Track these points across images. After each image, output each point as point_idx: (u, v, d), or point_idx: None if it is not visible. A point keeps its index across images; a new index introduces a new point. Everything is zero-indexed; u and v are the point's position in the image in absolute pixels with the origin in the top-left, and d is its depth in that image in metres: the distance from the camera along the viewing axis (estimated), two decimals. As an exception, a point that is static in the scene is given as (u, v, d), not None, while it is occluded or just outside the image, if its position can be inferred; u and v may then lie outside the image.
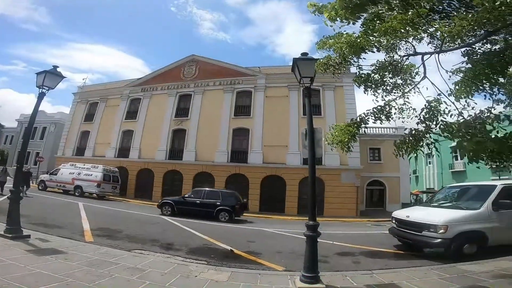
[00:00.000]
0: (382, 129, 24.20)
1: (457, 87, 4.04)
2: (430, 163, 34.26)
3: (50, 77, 6.38)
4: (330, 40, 4.42)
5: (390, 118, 4.77)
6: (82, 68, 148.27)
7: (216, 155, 21.87)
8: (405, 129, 4.89)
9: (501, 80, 4.22)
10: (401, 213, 7.75)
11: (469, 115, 3.92)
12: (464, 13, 3.67)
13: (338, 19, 3.93)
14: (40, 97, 6.45)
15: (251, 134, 21.83)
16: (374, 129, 24.06)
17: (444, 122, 4.13)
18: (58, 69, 6.62)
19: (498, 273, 4.70)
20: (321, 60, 4.45)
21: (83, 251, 5.34)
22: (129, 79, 28.37)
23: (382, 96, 4.97)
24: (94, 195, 18.88)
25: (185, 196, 13.96)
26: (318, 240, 4.32)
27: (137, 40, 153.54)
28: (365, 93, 5.11)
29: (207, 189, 14.43)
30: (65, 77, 6.85)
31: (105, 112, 27.48)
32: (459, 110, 4.08)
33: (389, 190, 22.99)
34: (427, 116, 4.23)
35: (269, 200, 20.15)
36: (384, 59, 4.89)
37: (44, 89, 6.39)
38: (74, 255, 5.01)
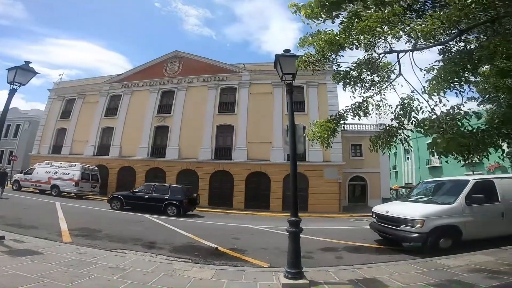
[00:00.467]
0: (364, 126, 24.85)
1: (429, 84, 4.20)
2: (408, 159, 35.57)
3: (21, 73, 6.15)
4: (309, 38, 4.50)
5: (367, 114, 4.91)
6: (60, 64, 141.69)
7: (200, 152, 21.66)
8: (385, 125, 5.04)
9: (472, 78, 4.43)
10: (381, 208, 7.86)
11: (442, 112, 4.11)
12: (438, 12, 3.83)
13: (314, 17, 3.98)
14: (11, 93, 6.19)
15: (235, 131, 21.77)
16: (355, 125, 24.64)
17: (416, 119, 4.30)
18: (31, 65, 6.38)
19: (473, 267, 4.88)
20: (302, 57, 4.50)
21: (60, 251, 5.18)
22: (109, 75, 27.47)
23: (360, 93, 5.11)
24: (73, 194, 18.26)
25: (135, 190, 14.28)
26: (302, 236, 4.37)
27: (119, 36, 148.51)
28: (343, 89, 5.24)
29: (156, 183, 14.85)
30: (38, 73, 6.63)
31: (82, 108, 26.50)
32: (431, 107, 4.26)
33: (370, 186, 23.64)
34: (401, 112, 4.38)
35: (254, 196, 20.23)
36: (364, 56, 5.01)
37: (16, 85, 6.14)
38: (51, 255, 4.85)
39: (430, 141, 4.27)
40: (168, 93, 24.41)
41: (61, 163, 19.59)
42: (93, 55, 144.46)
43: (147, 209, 12.87)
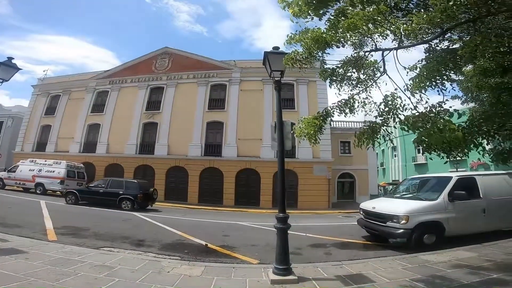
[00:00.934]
0: (353, 123, 25.16)
1: (412, 82, 4.30)
2: (395, 156, 36.31)
3: (4, 68, 6.05)
4: (297, 36, 4.54)
5: (353, 111, 4.99)
6: (46, 60, 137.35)
7: (190, 148, 21.50)
8: (369, 121, 5.15)
9: (453, 76, 4.57)
10: (368, 205, 7.94)
11: (425, 108, 4.22)
12: (422, 12, 3.92)
13: (301, 15, 4.01)
14: (-7, 89, 5.99)
15: (225, 128, 21.70)
16: (344, 123, 24.92)
17: (399, 116, 4.41)
18: (13, 61, 6.25)
19: (455, 263, 5.02)
20: (289, 54, 4.54)
21: (45, 250, 5.08)
22: (96, 71, 26.83)
23: (346, 91, 5.20)
24: (58, 192, 17.80)
25: (90, 185, 14.67)
26: (292, 232, 4.41)
27: (107, 32, 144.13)
28: (330, 86, 5.31)
29: (112, 178, 15.20)
30: (20, 69, 6.52)
31: (68, 105, 25.83)
32: (414, 105, 4.37)
33: (358, 182, 24.00)
34: (386, 109, 4.47)
35: (244, 193, 20.26)
36: (351, 55, 5.09)
37: (-3, 81, 5.96)
38: (36, 254, 4.76)
39: (416, 137, 4.39)
40: (157, 90, 24.06)
41: (45, 161, 19.11)
42: (80, 51, 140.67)
43: (102, 203, 13.11)
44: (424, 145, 3.99)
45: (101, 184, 14.28)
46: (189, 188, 20.89)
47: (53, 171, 17.91)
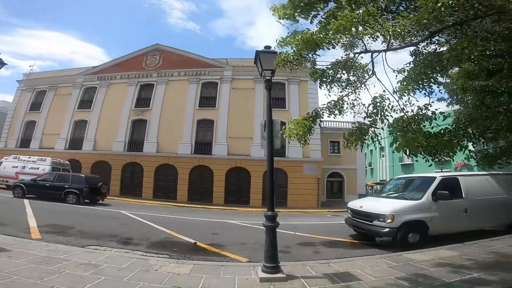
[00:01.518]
0: (342, 124, 25.43)
1: (400, 85, 4.39)
2: (383, 156, 36.98)
3: None
4: (287, 38, 4.59)
5: (342, 113, 5.07)
6: (32, 55, 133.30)
7: (180, 146, 21.32)
8: (358, 123, 5.24)
9: (440, 79, 4.69)
10: (355, 204, 7.99)
11: (411, 111, 4.32)
12: (411, 14, 4.02)
13: (288, 18, 4.05)
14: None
15: (215, 126, 21.62)
16: (334, 123, 25.16)
17: (388, 118, 4.50)
18: None
19: (438, 261, 5.13)
20: (280, 55, 4.57)
21: (29, 248, 4.96)
22: (84, 67, 26.25)
23: (335, 92, 5.27)
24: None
25: (37, 179, 14.54)
26: (281, 231, 4.43)
27: (97, 28, 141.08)
28: (320, 88, 5.37)
29: (59, 172, 15.62)
30: (6, 64, 6.38)
31: (54, 101, 25.21)
32: (401, 107, 4.46)
33: (347, 182, 24.32)
34: (374, 111, 4.55)
35: (234, 192, 20.24)
36: (342, 56, 5.16)
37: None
38: (19, 252, 4.65)
39: (391, 140, 4.48)
40: (147, 87, 23.74)
41: (29, 157, 18.59)
42: (68, 47, 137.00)
43: (48, 197, 13.19)
44: (405, 149, 4.07)
45: (48, 178, 14.29)
46: (179, 186, 20.71)
47: (38, 168, 17.40)
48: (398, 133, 4.05)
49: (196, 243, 6.64)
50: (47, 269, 3.98)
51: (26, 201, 11.84)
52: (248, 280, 4.11)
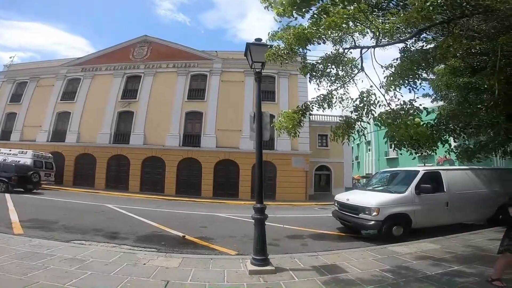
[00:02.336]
0: (331, 117, 25.66)
1: (387, 80, 4.47)
2: (369, 150, 37.75)
3: None
4: (279, 33, 4.58)
5: (331, 106, 5.12)
6: (14, 46, 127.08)
7: (167, 139, 21.02)
8: (345, 116, 5.34)
9: (425, 75, 4.79)
10: (342, 197, 8.06)
11: (397, 105, 4.42)
12: (400, 11, 4.08)
13: (286, 15, 4.02)
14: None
15: (204, 118, 21.39)
16: (323, 116, 25.36)
17: (373, 112, 4.59)
18: None
19: (420, 254, 5.31)
20: (270, 49, 4.55)
21: (11, 244, 4.83)
22: (67, 58, 25.29)
23: (325, 86, 5.32)
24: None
25: None
26: (270, 224, 4.46)
27: (82, 19, 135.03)
28: (310, 82, 5.41)
29: None
30: None
31: (36, 92, 24.25)
32: (387, 101, 4.56)
33: (334, 175, 24.67)
34: (361, 105, 4.63)
35: (222, 185, 20.22)
36: (331, 51, 5.19)
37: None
38: (1, 248, 4.53)
39: (385, 133, 4.58)
40: (134, 78, 23.14)
41: (10, 150, 18.01)
42: (51, 38, 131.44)
43: None
44: (395, 141, 4.18)
45: None
46: (166, 179, 20.50)
47: (18, 161, 16.79)
48: (391, 126, 4.14)
49: (184, 236, 6.61)
50: (30, 264, 3.89)
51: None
52: (238, 273, 4.14)
